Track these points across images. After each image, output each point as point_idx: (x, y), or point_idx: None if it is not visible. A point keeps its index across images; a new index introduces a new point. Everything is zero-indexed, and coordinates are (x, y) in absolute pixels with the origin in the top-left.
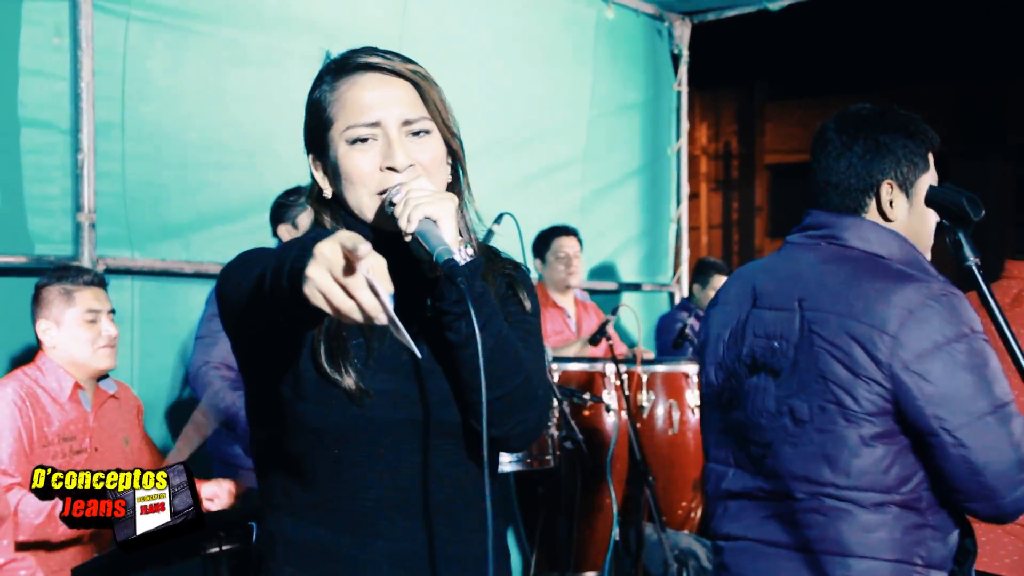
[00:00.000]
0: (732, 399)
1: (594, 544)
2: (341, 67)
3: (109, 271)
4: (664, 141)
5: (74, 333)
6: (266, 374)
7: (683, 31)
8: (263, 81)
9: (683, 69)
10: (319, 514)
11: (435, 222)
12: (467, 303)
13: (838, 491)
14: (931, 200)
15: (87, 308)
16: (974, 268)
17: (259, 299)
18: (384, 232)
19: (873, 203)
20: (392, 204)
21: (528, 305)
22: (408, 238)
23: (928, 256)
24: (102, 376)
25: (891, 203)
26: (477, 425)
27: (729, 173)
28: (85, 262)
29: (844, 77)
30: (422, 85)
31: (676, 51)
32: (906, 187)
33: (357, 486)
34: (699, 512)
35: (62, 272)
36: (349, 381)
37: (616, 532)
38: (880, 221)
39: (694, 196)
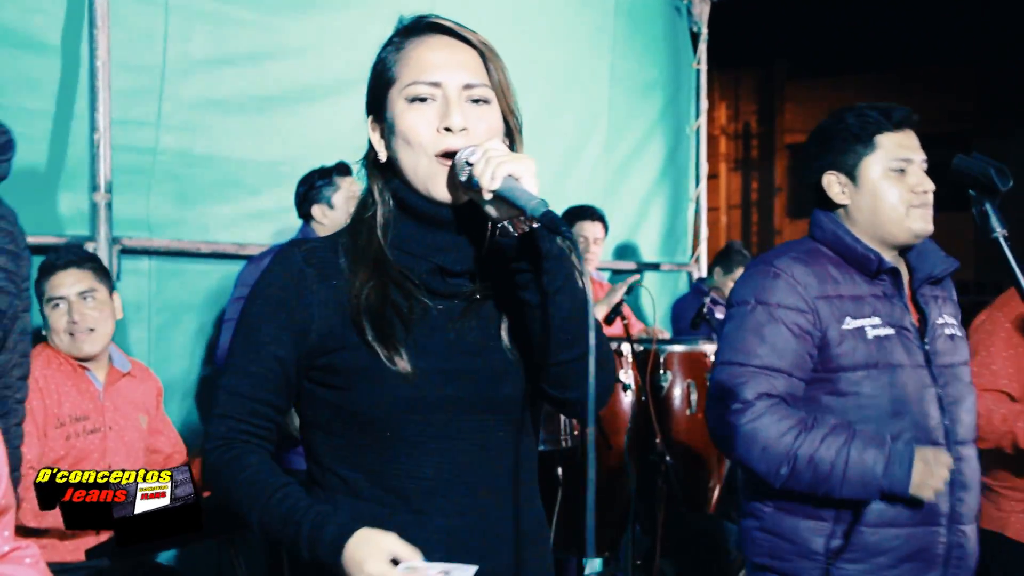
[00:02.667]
0: None
1: (612, 525)
2: (410, 29)
3: (125, 251)
4: (683, 120)
5: (48, 319)
6: (306, 377)
7: (702, 9)
8: (291, 63)
9: (702, 47)
10: (375, 493)
11: (517, 180)
12: (553, 255)
13: None
14: (958, 171)
15: (48, 296)
16: (1001, 240)
17: None
18: (435, 202)
19: (824, 194)
20: (469, 164)
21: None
22: (488, 196)
23: (915, 225)
24: (90, 356)
25: (841, 191)
26: (551, 390)
27: (748, 153)
28: (101, 242)
29: (865, 56)
30: (488, 56)
31: (695, 29)
32: (849, 172)
33: (411, 465)
34: (717, 493)
35: (56, 253)
36: (401, 361)
37: (634, 513)
38: (836, 209)
39: (713, 176)
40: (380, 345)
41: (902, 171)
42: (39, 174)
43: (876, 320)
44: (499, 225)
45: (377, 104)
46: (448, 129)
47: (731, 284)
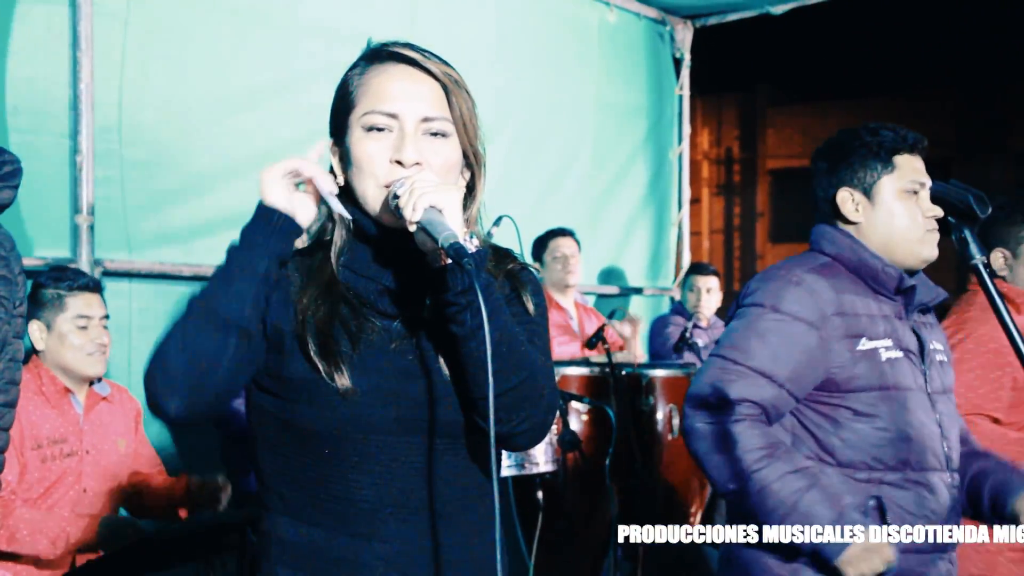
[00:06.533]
0: None
1: (594, 549)
2: (375, 55)
3: (107, 273)
4: (666, 145)
5: (64, 339)
6: (255, 384)
7: (685, 35)
8: (268, 85)
9: (685, 73)
10: (314, 514)
11: (440, 211)
12: (474, 290)
13: None
14: (937, 197)
15: (78, 314)
16: (980, 266)
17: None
18: (388, 228)
19: (836, 209)
20: (396, 196)
21: (531, 307)
22: (412, 227)
23: (924, 250)
24: (93, 380)
25: (854, 208)
26: (482, 423)
27: (731, 178)
28: (83, 264)
29: (846, 82)
30: (451, 89)
31: (678, 55)
32: (865, 190)
33: (350, 486)
34: (699, 517)
35: (59, 274)
36: (342, 378)
37: (616, 537)
38: (844, 225)
39: (696, 201)
40: (321, 360)
41: (915, 193)
42: (20, 196)
43: (888, 342)
44: (427, 256)
45: (338, 128)
46: (399, 162)
47: (704, 294)
